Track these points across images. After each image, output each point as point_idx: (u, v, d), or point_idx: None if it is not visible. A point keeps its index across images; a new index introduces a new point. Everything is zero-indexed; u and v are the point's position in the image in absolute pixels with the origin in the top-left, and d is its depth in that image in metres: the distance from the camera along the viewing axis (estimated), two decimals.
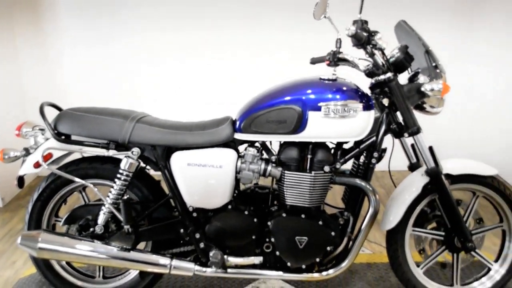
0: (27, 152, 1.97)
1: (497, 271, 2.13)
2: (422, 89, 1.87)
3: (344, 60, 1.92)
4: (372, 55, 1.84)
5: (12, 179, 3.43)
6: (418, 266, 2.11)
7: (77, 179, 1.92)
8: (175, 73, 3.72)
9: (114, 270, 2.30)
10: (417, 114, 1.97)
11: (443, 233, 2.08)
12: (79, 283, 2.12)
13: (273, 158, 1.94)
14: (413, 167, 2.07)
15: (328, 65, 1.97)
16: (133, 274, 2.11)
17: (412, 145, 2.02)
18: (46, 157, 1.92)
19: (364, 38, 1.79)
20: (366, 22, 1.84)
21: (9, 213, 3.28)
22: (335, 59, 1.93)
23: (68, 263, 2.14)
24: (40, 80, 3.69)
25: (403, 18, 2.08)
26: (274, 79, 2.06)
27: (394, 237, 2.04)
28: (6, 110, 3.44)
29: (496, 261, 2.15)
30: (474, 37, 3.67)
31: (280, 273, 1.98)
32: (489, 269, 2.15)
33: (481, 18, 3.63)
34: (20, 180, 2.00)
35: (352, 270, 2.42)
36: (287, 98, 1.84)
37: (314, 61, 2.07)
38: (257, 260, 1.95)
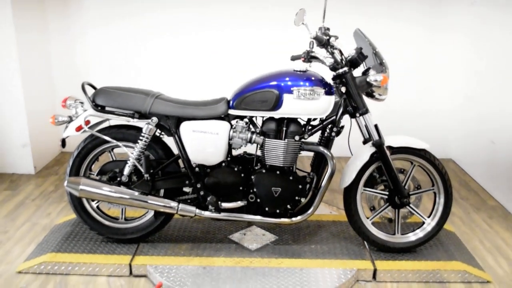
0: (70, 119, 2.60)
1: (429, 224, 2.74)
2: (368, 79, 2.49)
3: (315, 58, 2.55)
4: (331, 53, 2.47)
5: (41, 153, 4.08)
6: (367, 218, 2.73)
7: (112, 140, 2.55)
8: (188, 49, 4.28)
9: (134, 214, 2.90)
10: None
11: (387, 193, 2.70)
12: (106, 223, 2.74)
13: (257, 129, 2.57)
14: (365, 142, 2.67)
15: (303, 61, 2.58)
16: (148, 216, 2.74)
17: (365, 125, 2.63)
18: (86, 123, 2.55)
19: (324, 40, 2.41)
20: (328, 28, 2.47)
21: (41, 178, 3.92)
22: (309, 57, 2.55)
23: (98, 207, 2.76)
24: (66, 50, 4.27)
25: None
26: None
27: (349, 194, 2.66)
28: (35, 74, 4.04)
29: (429, 216, 2.76)
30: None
31: (260, 217, 2.61)
32: (423, 223, 2.77)
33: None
34: (63, 142, 2.63)
35: (320, 225, 3.03)
36: (268, 83, 2.46)
37: (293, 58, 2.68)
38: (243, 203, 2.57)
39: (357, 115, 2.55)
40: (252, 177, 2.55)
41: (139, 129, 2.62)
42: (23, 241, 2.93)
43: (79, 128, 2.55)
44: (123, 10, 4.19)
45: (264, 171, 2.54)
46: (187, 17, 4.21)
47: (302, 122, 2.60)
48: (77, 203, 2.70)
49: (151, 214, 2.73)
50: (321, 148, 2.55)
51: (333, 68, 2.53)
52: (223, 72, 4.30)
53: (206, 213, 2.60)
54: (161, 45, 4.28)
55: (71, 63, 4.30)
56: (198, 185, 2.58)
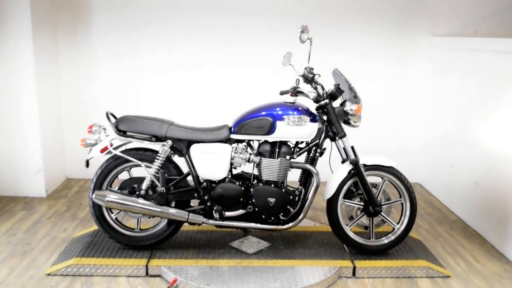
0: (95, 142, 3.07)
1: (399, 229, 3.26)
2: (345, 109, 3.06)
3: (301, 92, 3.11)
4: (315, 88, 3.04)
5: (51, 179, 4.47)
6: (347, 225, 3.23)
7: (133, 159, 3.02)
8: (191, 84, 4.80)
9: (147, 225, 3.32)
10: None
11: (362, 204, 3.22)
12: (124, 232, 3.17)
13: (254, 151, 3.09)
14: (344, 161, 3.21)
15: (291, 95, 3.14)
16: (160, 226, 3.18)
17: (343, 147, 3.17)
18: (110, 145, 3.02)
19: (309, 77, 2.99)
20: (312, 68, 3.05)
21: (52, 200, 4.32)
22: (295, 92, 3.11)
23: (116, 219, 3.19)
24: (74, 90, 4.76)
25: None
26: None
27: (331, 204, 3.16)
28: (49, 110, 4.51)
29: (398, 223, 3.28)
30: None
31: (258, 224, 3.09)
32: (394, 228, 3.28)
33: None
34: (87, 162, 3.09)
35: (306, 234, 3.52)
36: (263, 113, 3.01)
37: (282, 93, 3.22)
38: (242, 211, 3.05)
39: (337, 138, 3.10)
40: (251, 189, 3.04)
41: (154, 151, 3.10)
42: (46, 251, 3.32)
43: (104, 150, 3.01)
44: (129, 48, 4.74)
45: (261, 184, 3.05)
46: (190, 56, 4.75)
47: (291, 145, 3.13)
48: (99, 214, 3.13)
49: (162, 224, 3.18)
50: (308, 166, 3.08)
51: (316, 100, 3.09)
52: (221, 103, 4.83)
53: (212, 221, 3.06)
54: (166, 80, 4.80)
55: (78, 97, 4.78)
56: (206, 197, 3.06)
